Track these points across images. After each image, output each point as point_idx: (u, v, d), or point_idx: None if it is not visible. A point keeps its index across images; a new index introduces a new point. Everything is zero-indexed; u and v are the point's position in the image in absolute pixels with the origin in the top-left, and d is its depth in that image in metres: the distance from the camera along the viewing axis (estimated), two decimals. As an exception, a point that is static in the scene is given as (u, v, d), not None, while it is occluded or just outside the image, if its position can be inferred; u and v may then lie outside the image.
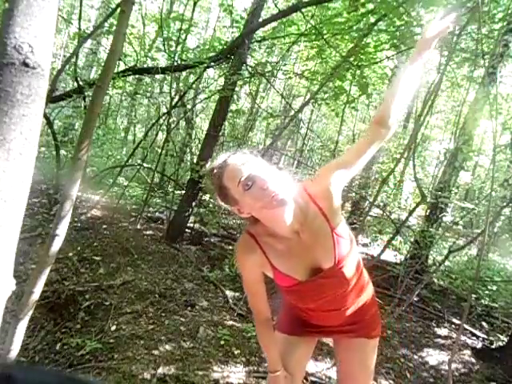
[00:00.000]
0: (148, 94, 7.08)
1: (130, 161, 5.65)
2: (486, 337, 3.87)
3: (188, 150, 6.44)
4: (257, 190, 1.09)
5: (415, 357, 3.23)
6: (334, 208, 1.20)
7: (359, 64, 4.22)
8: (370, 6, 3.85)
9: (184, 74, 6.06)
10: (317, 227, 1.19)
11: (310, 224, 1.18)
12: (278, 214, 1.12)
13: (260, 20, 4.75)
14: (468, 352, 3.48)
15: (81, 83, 5.06)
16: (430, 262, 5.44)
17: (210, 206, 5.01)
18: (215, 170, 1.17)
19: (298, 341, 1.47)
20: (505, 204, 5.98)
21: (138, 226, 4.85)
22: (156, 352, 2.53)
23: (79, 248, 3.95)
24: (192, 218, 4.94)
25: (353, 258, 1.28)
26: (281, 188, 1.10)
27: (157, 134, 6.29)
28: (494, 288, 4.82)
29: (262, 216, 1.17)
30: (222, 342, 2.76)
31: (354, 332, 1.41)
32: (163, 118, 5.68)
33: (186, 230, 4.91)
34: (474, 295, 4.47)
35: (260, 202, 1.10)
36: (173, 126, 6.06)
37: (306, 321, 1.44)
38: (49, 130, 5.34)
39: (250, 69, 5.02)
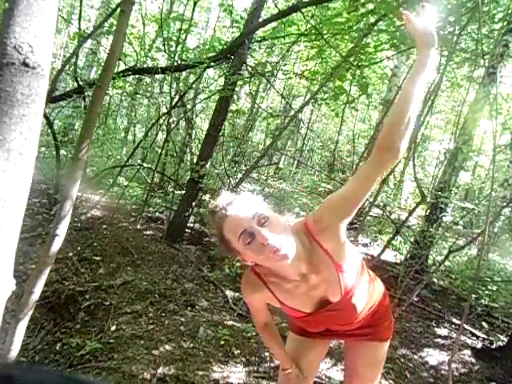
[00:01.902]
0: (148, 94, 7.08)
1: (130, 161, 5.64)
2: (485, 337, 3.87)
3: (188, 150, 6.44)
4: (258, 246, 1.05)
5: (415, 357, 3.23)
6: (338, 247, 1.18)
7: (359, 64, 4.22)
8: (370, 6, 3.85)
9: (184, 74, 6.06)
10: (322, 267, 1.18)
11: (315, 265, 1.17)
12: (281, 265, 1.11)
13: (260, 20, 4.74)
14: (468, 352, 3.48)
15: (81, 83, 5.06)
16: (430, 262, 5.45)
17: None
18: (216, 219, 1.11)
19: (311, 342, 1.48)
20: (505, 204, 5.98)
21: (138, 226, 4.85)
22: (156, 352, 2.53)
23: (79, 248, 3.95)
24: (192, 218, 4.94)
25: (362, 285, 1.27)
26: (282, 241, 1.05)
27: (157, 134, 6.29)
28: (494, 288, 4.82)
29: (266, 264, 1.16)
30: (222, 342, 2.76)
31: (368, 335, 1.41)
32: (163, 118, 5.67)
33: (186, 230, 4.91)
34: (474, 295, 4.47)
35: (262, 256, 1.07)
36: (173, 126, 6.06)
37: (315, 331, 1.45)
38: (49, 130, 5.33)
39: (249, 69, 5.02)
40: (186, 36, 5.71)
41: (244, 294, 1.34)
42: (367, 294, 1.30)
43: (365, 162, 1.12)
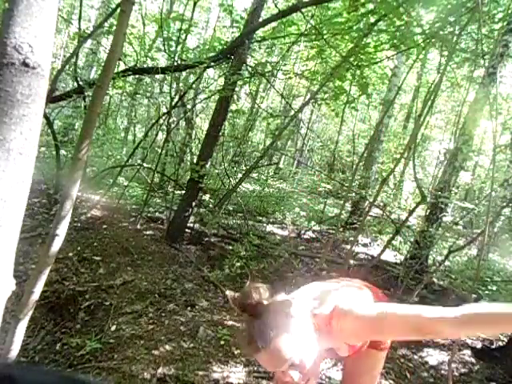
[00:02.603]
0: (148, 94, 7.08)
1: (130, 161, 5.64)
2: (486, 337, 3.87)
3: (188, 150, 6.44)
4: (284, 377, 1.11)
5: (415, 357, 3.23)
6: (354, 339, 1.26)
7: (359, 64, 4.22)
8: (370, 6, 3.85)
9: (184, 74, 6.05)
10: (337, 345, 1.29)
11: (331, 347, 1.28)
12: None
13: (260, 20, 4.74)
14: (468, 352, 3.48)
15: (81, 83, 5.06)
16: (430, 262, 5.44)
17: (210, 206, 5.01)
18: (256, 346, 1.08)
19: None
20: (505, 204, 5.97)
21: (138, 226, 4.85)
22: (156, 352, 2.53)
23: (79, 248, 3.95)
24: (192, 218, 4.94)
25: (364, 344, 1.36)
26: (303, 379, 1.08)
27: (157, 134, 6.29)
28: (494, 288, 4.82)
29: None
30: (222, 342, 2.76)
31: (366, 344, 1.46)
32: (163, 118, 5.67)
33: (186, 230, 4.91)
34: (473, 295, 4.47)
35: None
36: (173, 126, 6.06)
37: None
38: (49, 130, 5.33)
39: (249, 69, 5.02)
40: (186, 36, 5.70)
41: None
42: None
43: (423, 312, 1.07)
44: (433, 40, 3.74)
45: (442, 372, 3.09)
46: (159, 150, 5.75)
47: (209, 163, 4.79)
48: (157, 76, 6.04)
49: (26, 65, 0.93)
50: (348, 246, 5.77)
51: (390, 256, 5.77)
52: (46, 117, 4.76)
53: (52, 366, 2.54)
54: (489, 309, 1.06)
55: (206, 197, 5.17)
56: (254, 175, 8.02)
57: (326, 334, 1.18)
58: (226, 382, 2.40)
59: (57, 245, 1.43)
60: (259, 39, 5.42)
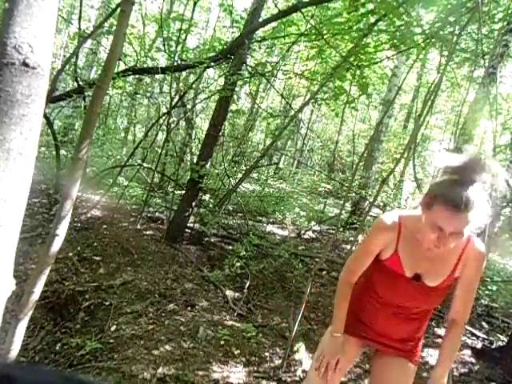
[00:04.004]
0: (148, 94, 7.07)
1: (130, 161, 5.64)
2: (485, 337, 3.87)
3: (188, 150, 6.44)
4: (436, 237, 1.23)
5: (415, 357, 3.22)
6: (464, 273, 1.39)
7: (359, 64, 4.22)
8: (370, 6, 3.85)
9: (184, 74, 6.05)
10: (445, 262, 1.38)
11: (444, 253, 1.35)
12: (425, 235, 1.28)
13: (260, 20, 4.74)
14: (468, 352, 3.48)
15: (81, 83, 5.06)
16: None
17: (210, 206, 5.01)
18: (440, 190, 1.23)
19: (348, 344, 1.53)
20: (505, 204, 5.97)
21: (138, 226, 4.85)
22: (156, 352, 2.53)
23: (79, 248, 3.95)
24: (192, 218, 4.94)
25: (441, 297, 1.46)
26: (447, 247, 1.26)
27: (157, 134, 6.29)
28: (494, 288, 4.82)
29: (423, 226, 1.29)
30: (222, 342, 2.76)
31: (401, 351, 1.51)
32: (163, 118, 5.67)
33: (186, 229, 4.90)
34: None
35: (429, 238, 1.25)
36: (173, 126, 6.06)
37: (364, 323, 1.54)
38: (49, 130, 5.33)
39: (249, 69, 5.02)
40: (186, 36, 5.70)
41: (375, 230, 1.47)
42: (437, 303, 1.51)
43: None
44: (433, 40, 3.74)
45: (442, 372, 3.08)
46: (159, 150, 5.75)
47: (209, 163, 4.79)
48: (157, 76, 6.04)
49: (26, 65, 0.93)
50: (348, 246, 5.77)
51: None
52: (46, 117, 4.76)
53: (52, 366, 2.54)
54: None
55: (206, 197, 5.17)
56: (254, 175, 8.02)
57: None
58: (226, 382, 2.40)
59: (57, 245, 1.43)
60: (259, 39, 5.42)
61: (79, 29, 5.30)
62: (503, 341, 3.80)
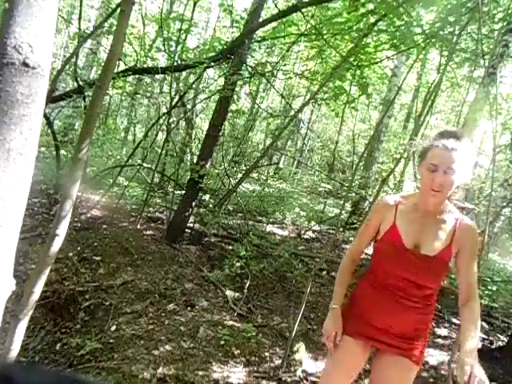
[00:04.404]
0: (148, 94, 7.08)
1: (130, 161, 5.64)
2: (485, 337, 3.87)
3: (188, 150, 6.44)
4: (432, 177, 1.40)
5: (415, 357, 3.22)
6: (461, 249, 1.48)
7: (359, 64, 4.22)
8: (370, 6, 3.85)
9: (184, 74, 6.05)
10: (440, 232, 1.49)
11: (441, 219, 1.50)
12: (425, 196, 1.46)
13: (260, 20, 4.74)
14: (468, 352, 3.48)
15: (81, 83, 5.06)
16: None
17: (210, 206, 5.01)
18: (435, 142, 1.43)
19: (352, 345, 1.58)
20: (505, 204, 5.98)
21: (138, 226, 4.85)
22: (156, 352, 2.53)
23: (79, 248, 3.95)
24: (192, 218, 4.93)
25: (439, 274, 1.51)
26: (445, 190, 1.40)
27: (157, 134, 6.29)
28: (494, 288, 4.82)
29: (421, 190, 1.48)
30: (222, 342, 2.76)
31: (402, 349, 1.52)
32: (163, 118, 5.67)
33: (186, 229, 4.90)
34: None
35: (426, 182, 1.42)
36: (173, 126, 6.06)
37: (366, 321, 1.56)
38: (49, 130, 5.33)
39: (249, 69, 5.02)
40: (186, 36, 5.70)
41: (375, 206, 1.71)
42: (434, 281, 1.51)
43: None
44: (433, 40, 3.74)
45: (442, 372, 3.09)
46: (159, 150, 5.75)
47: (209, 163, 4.79)
48: (157, 76, 6.04)
49: (26, 65, 0.93)
50: (348, 246, 5.77)
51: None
52: (46, 117, 4.76)
53: (52, 366, 2.54)
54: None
55: (206, 197, 5.17)
56: (254, 175, 8.02)
57: (452, 215, 1.53)
58: (226, 382, 2.40)
59: (57, 245, 1.43)
60: (259, 39, 5.42)
61: (79, 29, 5.30)
62: (503, 341, 3.80)
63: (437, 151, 1.40)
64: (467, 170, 1.41)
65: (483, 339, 3.81)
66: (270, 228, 6.20)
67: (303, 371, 2.68)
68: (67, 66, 5.41)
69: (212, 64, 4.77)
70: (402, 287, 1.49)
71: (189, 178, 4.78)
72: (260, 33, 5.42)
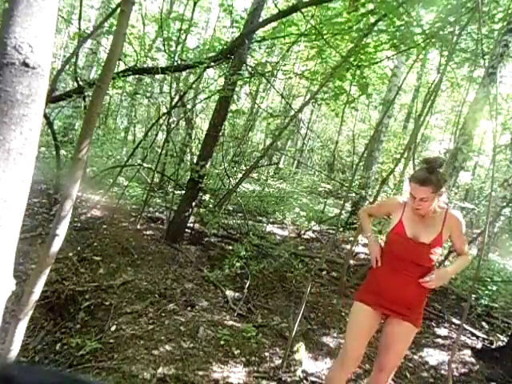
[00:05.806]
0: (148, 94, 7.07)
1: (130, 161, 5.64)
2: (486, 337, 3.87)
3: (188, 150, 6.44)
4: (413, 202, 1.89)
5: (415, 357, 3.23)
6: (451, 232, 1.97)
7: (359, 64, 4.22)
8: (370, 6, 3.85)
9: (184, 74, 6.05)
10: (433, 226, 1.95)
11: (432, 216, 1.95)
12: (414, 209, 1.94)
13: (260, 20, 4.74)
14: (468, 352, 3.48)
15: (81, 83, 5.06)
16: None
17: (210, 206, 5.01)
18: (415, 175, 1.90)
19: (368, 313, 2.00)
20: (505, 204, 5.98)
21: (138, 226, 4.85)
22: (156, 352, 2.53)
23: (79, 248, 3.95)
24: (192, 218, 4.93)
25: (433, 255, 1.93)
26: (423, 209, 1.88)
27: (157, 134, 6.29)
28: (494, 288, 4.82)
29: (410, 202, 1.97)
30: (222, 342, 2.76)
31: (407, 316, 1.94)
32: (163, 118, 5.67)
33: (186, 229, 4.90)
34: (473, 295, 4.47)
35: (412, 203, 1.90)
36: (173, 126, 6.06)
37: (380, 293, 1.98)
38: (49, 130, 5.33)
39: (249, 69, 5.02)
40: (186, 36, 5.70)
41: (391, 200, 2.52)
42: (428, 264, 1.94)
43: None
44: (433, 40, 3.74)
45: (442, 372, 3.09)
46: (159, 150, 5.75)
47: (209, 163, 4.79)
48: (157, 76, 6.04)
49: (26, 65, 0.93)
50: (348, 246, 5.77)
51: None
52: (46, 117, 4.76)
53: (52, 366, 2.54)
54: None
55: (206, 197, 5.17)
56: (254, 175, 8.02)
57: (438, 213, 2.00)
58: (226, 382, 2.40)
59: (57, 245, 1.43)
60: (259, 39, 5.42)
61: (79, 29, 5.29)
62: (503, 341, 3.80)
63: (412, 185, 1.86)
64: (440, 194, 1.86)
65: (483, 339, 3.81)
66: (269, 228, 6.20)
67: (303, 371, 2.68)
68: (67, 66, 5.41)
69: (212, 64, 4.77)
70: (406, 266, 1.93)
71: (189, 178, 4.78)
72: (260, 33, 5.43)
